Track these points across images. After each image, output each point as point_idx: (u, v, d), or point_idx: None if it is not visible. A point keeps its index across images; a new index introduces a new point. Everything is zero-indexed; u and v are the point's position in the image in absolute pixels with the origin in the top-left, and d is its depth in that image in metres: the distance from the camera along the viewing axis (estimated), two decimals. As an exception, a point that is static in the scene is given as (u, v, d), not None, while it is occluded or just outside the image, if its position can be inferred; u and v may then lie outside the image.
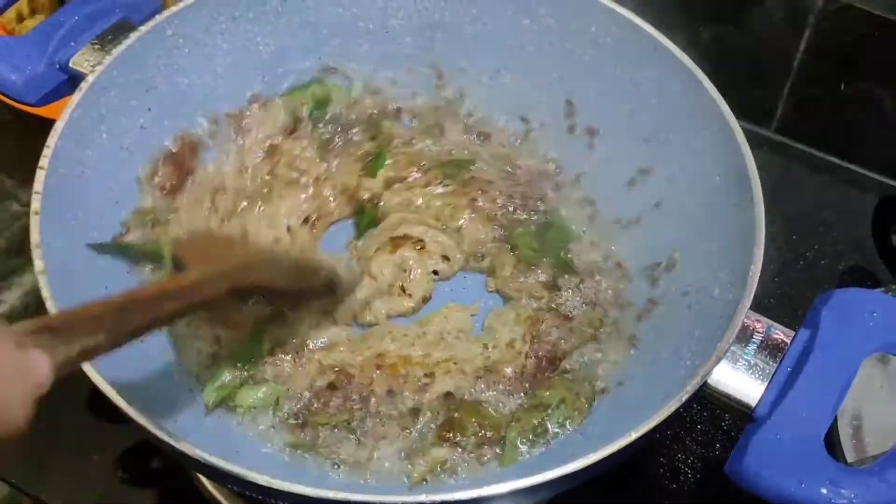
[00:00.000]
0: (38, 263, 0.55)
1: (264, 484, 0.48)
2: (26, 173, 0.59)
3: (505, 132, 0.77)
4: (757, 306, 0.56)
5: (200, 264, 0.56)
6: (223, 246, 0.65)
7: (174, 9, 0.68)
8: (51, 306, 0.54)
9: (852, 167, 0.90)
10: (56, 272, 0.55)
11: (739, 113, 0.65)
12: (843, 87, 0.87)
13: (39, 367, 0.40)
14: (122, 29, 0.70)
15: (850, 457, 0.67)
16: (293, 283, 0.64)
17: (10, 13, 0.89)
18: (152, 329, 0.50)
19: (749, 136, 0.63)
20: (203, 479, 0.68)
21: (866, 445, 0.67)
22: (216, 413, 0.63)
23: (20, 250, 0.81)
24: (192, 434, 0.58)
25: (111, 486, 0.69)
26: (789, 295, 0.80)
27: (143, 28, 0.67)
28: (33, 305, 0.78)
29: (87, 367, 0.51)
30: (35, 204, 0.57)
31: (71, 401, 0.71)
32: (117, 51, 0.65)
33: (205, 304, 0.54)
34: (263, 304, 0.67)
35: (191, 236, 0.68)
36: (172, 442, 0.50)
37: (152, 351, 0.63)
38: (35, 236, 0.56)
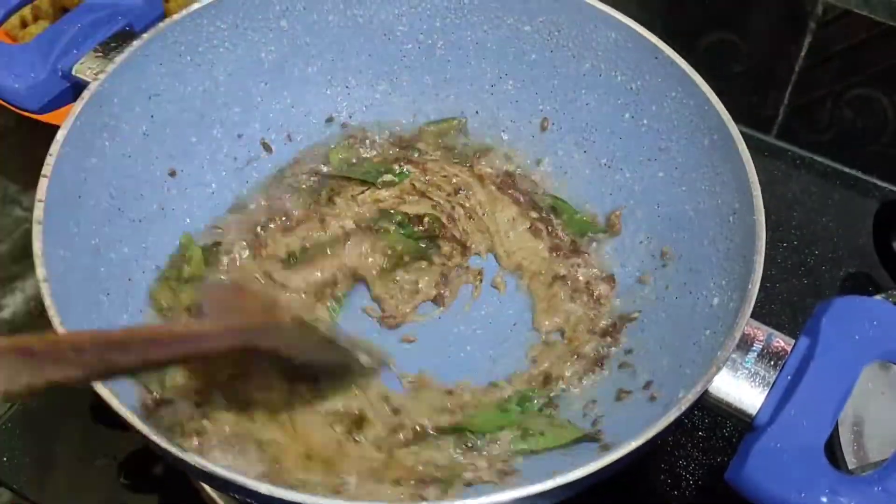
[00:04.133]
0: (41, 272, 0.55)
1: (266, 493, 0.48)
2: (29, 178, 0.59)
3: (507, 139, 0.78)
4: (757, 313, 0.56)
5: (219, 314, 0.54)
6: (249, 301, 0.62)
7: (176, 17, 0.68)
8: (53, 314, 0.54)
9: (853, 172, 0.90)
10: (58, 280, 0.56)
11: (739, 118, 0.65)
12: (843, 92, 0.88)
13: None
14: (125, 37, 0.70)
15: (850, 463, 0.67)
16: (311, 356, 0.61)
17: (14, 19, 0.89)
18: (143, 371, 0.49)
19: (749, 141, 0.63)
20: (206, 486, 0.69)
21: (867, 452, 0.67)
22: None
23: (23, 255, 0.81)
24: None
25: (113, 492, 0.69)
26: (790, 301, 0.80)
27: (145, 36, 0.67)
28: (37, 311, 0.78)
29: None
30: (38, 212, 0.57)
31: (73, 407, 0.71)
32: (120, 58, 0.65)
33: (207, 355, 0.53)
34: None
35: (218, 284, 0.67)
36: (174, 450, 0.50)
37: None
38: (38, 245, 0.56)
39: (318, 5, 0.74)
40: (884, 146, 0.88)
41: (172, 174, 0.70)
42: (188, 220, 0.71)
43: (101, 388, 0.51)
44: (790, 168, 0.91)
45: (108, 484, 0.69)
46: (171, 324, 0.58)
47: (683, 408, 0.52)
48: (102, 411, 0.53)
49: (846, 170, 0.91)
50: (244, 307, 0.59)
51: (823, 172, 0.91)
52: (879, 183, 0.90)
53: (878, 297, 0.77)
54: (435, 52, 0.77)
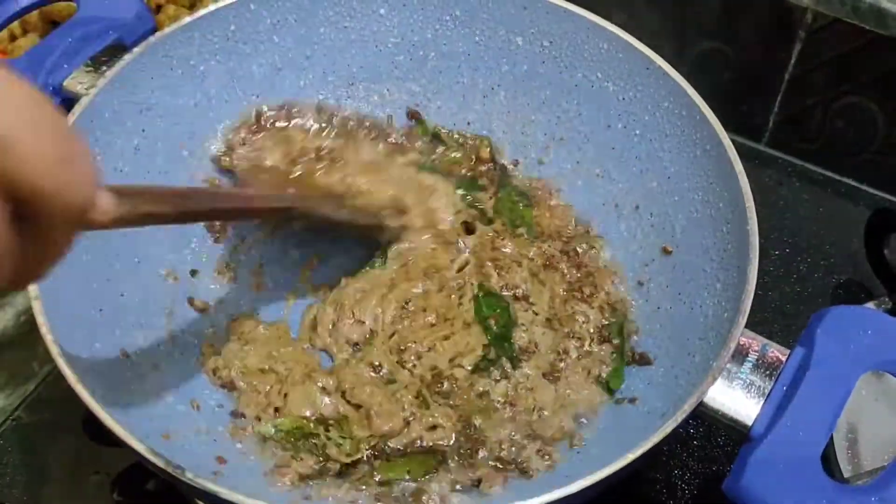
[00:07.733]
0: (33, 289, 0.55)
1: (261, 510, 0.48)
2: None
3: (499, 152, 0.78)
4: (749, 321, 0.56)
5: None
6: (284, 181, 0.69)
7: (167, 30, 0.68)
8: (46, 332, 0.54)
9: (844, 180, 0.91)
10: (50, 297, 0.55)
11: (729, 127, 0.65)
12: (833, 100, 0.88)
13: (104, 201, 0.41)
14: (116, 51, 0.69)
15: (845, 471, 0.67)
16: (345, 220, 0.68)
17: (3, 33, 0.89)
18: (208, 218, 0.65)
19: (740, 149, 0.63)
20: (199, 502, 0.68)
21: (862, 459, 0.67)
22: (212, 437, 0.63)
23: (13, 270, 0.80)
24: (188, 458, 0.58)
25: (107, 508, 0.69)
26: (782, 309, 0.80)
27: (136, 50, 0.67)
28: (27, 326, 0.77)
29: (81, 391, 0.52)
30: (29, 229, 0.57)
31: (66, 423, 0.71)
32: (111, 73, 0.65)
33: (255, 213, 0.65)
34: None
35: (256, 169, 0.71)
36: (167, 468, 0.50)
37: (146, 373, 0.63)
38: (29, 262, 0.56)
39: (310, 18, 0.74)
40: (874, 154, 0.89)
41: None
42: (180, 235, 0.70)
43: (94, 405, 0.51)
44: (781, 176, 0.91)
45: (102, 500, 0.69)
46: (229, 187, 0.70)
47: (680, 419, 0.52)
48: (96, 427, 0.52)
49: (837, 177, 0.91)
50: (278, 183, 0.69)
51: (814, 180, 0.91)
52: (870, 190, 0.90)
53: (869, 304, 0.78)
54: (427, 64, 0.77)
